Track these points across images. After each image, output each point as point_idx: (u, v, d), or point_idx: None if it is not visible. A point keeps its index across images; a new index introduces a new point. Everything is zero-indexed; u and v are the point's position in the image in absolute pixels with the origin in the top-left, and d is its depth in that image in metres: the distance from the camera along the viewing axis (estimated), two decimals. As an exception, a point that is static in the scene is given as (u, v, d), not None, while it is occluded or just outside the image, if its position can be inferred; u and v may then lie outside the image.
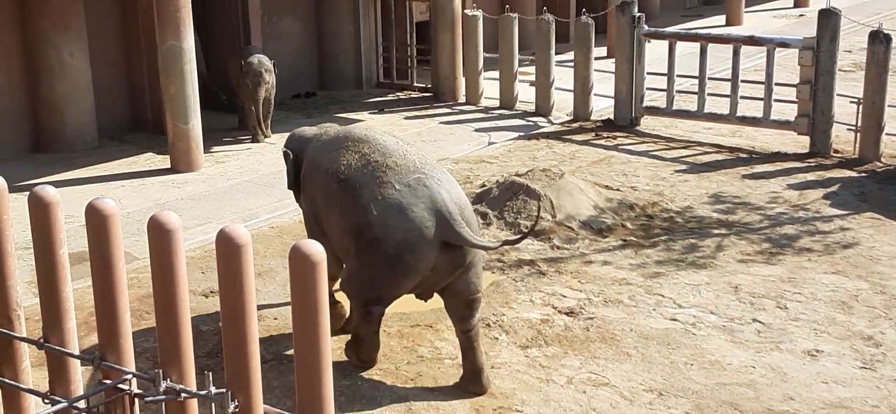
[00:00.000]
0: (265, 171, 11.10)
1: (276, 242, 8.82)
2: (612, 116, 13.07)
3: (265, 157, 11.70)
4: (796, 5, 24.39)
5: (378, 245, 5.98)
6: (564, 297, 7.55)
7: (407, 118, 13.69)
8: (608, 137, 12.39)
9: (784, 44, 12.02)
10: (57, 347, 2.84)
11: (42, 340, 2.85)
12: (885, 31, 10.81)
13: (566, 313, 7.24)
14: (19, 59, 11.82)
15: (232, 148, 12.21)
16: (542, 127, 13.03)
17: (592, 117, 13.29)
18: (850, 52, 16.45)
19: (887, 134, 11.09)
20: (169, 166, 11.21)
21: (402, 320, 7.15)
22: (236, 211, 9.76)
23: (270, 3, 14.64)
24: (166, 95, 11.09)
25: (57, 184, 9.39)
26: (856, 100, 11.28)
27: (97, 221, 2.67)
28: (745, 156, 11.44)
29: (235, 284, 2.49)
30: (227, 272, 2.49)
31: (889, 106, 11.07)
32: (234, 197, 10.26)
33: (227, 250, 2.48)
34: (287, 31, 15.07)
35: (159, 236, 2.57)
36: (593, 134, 12.57)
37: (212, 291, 7.62)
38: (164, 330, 2.62)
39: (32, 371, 3.04)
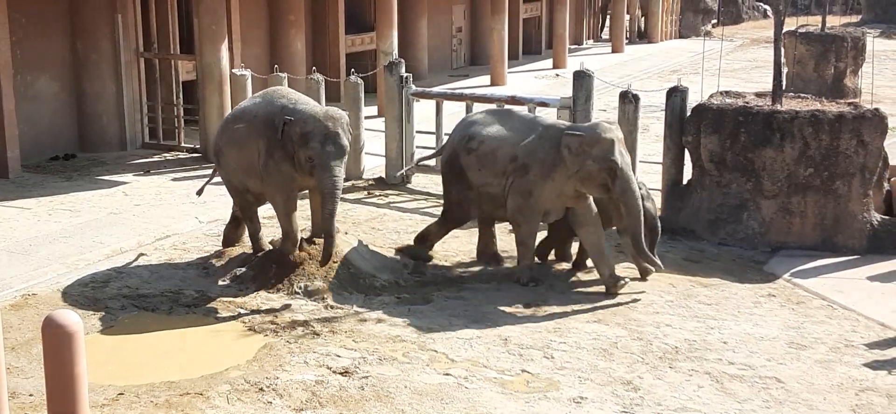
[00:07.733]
0: (20, 238, 10.46)
1: (32, 313, 8.31)
2: (383, 175, 13.23)
3: (20, 222, 11.04)
4: (554, 67, 25.71)
5: None
6: (339, 357, 7.51)
7: (174, 179, 13.31)
8: (380, 195, 12.52)
9: (544, 103, 12.60)
10: None
11: None
12: (634, 92, 11.52)
13: (341, 373, 7.21)
14: None
15: (-18, 214, 11.45)
16: (314, 186, 12.98)
17: (364, 176, 13.40)
18: (605, 110, 17.43)
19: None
20: None
21: (170, 389, 6.89)
22: (-13, 281, 9.13)
23: (23, 61, 13.90)
24: None
25: None
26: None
27: None
28: (511, 211, 11.81)
29: (-18, 360, 2.34)
30: (-27, 349, 2.33)
31: (640, 162, 11.78)
32: (-15, 266, 9.61)
33: (-27, 325, 2.32)
34: (43, 92, 14.35)
35: None
36: (365, 192, 12.67)
37: (-41, 369, 7.07)
38: None
39: None
